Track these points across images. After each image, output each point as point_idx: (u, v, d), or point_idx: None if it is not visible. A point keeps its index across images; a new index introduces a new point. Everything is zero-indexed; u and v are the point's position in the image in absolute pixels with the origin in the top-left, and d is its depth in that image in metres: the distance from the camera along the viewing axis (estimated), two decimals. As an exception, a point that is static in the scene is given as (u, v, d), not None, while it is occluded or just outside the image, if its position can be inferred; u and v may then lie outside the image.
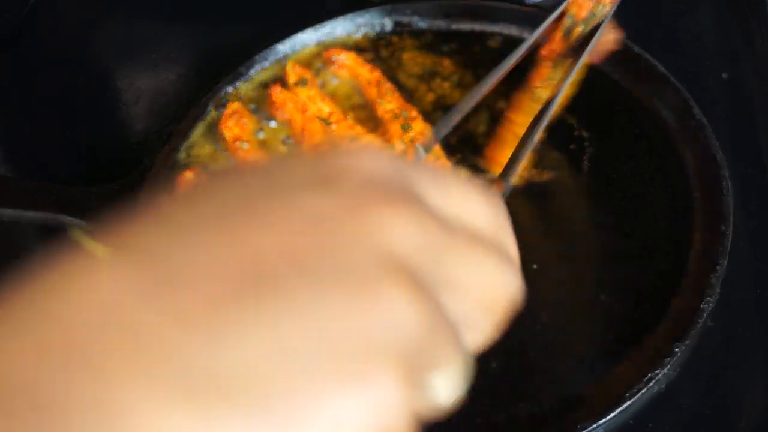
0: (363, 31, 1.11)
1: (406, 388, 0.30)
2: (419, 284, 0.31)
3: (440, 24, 1.10)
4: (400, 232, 0.32)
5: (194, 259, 0.28)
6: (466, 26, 1.09)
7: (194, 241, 0.29)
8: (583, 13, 0.87)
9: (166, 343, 0.25)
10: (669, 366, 0.76)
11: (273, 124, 1.03)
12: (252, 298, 0.27)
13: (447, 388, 0.37)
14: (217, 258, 0.28)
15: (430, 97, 1.01)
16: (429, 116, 1.01)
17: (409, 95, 1.02)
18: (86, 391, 0.24)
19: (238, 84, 1.08)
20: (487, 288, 0.39)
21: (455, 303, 0.35)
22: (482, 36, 1.08)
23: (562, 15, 0.88)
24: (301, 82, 1.05)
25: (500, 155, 0.92)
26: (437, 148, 0.96)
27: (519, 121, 0.90)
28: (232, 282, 0.27)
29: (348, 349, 0.28)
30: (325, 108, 1.01)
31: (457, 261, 0.35)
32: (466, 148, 0.98)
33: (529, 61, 0.89)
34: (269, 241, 0.29)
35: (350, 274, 0.29)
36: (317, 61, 1.09)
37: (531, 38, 0.86)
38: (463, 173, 0.55)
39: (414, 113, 0.99)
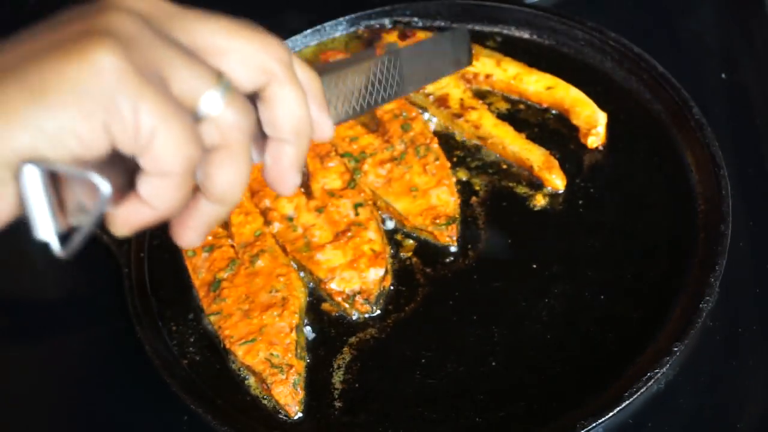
0: (363, 31, 1.11)
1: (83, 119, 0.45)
2: (130, 42, 0.46)
3: (440, 24, 1.10)
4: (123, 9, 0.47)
5: None
6: (465, 26, 1.09)
7: None
8: None
9: None
10: (668, 365, 0.76)
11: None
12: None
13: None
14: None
15: (430, 96, 1.01)
16: (429, 116, 1.01)
17: (408, 96, 1.02)
18: None
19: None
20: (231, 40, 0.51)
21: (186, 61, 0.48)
22: (482, 36, 1.08)
23: None
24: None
25: None
26: (437, 148, 0.96)
27: None
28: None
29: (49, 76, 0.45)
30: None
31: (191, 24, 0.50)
32: (466, 153, 0.98)
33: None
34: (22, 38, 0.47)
35: (63, 38, 0.46)
36: (317, 61, 1.09)
37: None
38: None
39: (414, 113, 0.99)
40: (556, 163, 0.93)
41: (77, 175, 0.47)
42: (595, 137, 0.95)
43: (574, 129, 0.97)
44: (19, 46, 0.47)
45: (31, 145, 0.45)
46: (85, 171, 0.47)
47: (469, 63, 0.83)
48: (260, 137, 0.54)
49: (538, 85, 1.00)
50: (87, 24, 0.47)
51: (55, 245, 0.48)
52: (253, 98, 0.53)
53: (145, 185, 0.48)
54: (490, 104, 1.01)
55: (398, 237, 0.92)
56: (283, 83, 0.52)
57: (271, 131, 0.53)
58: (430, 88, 1.01)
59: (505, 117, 0.99)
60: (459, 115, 0.99)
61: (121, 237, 0.51)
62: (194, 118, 0.49)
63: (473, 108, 0.99)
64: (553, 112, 0.99)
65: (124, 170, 0.50)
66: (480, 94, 1.02)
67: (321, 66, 0.60)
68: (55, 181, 0.48)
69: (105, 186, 0.47)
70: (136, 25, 0.47)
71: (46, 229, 0.47)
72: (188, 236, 0.54)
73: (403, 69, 0.68)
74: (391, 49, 0.69)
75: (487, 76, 1.01)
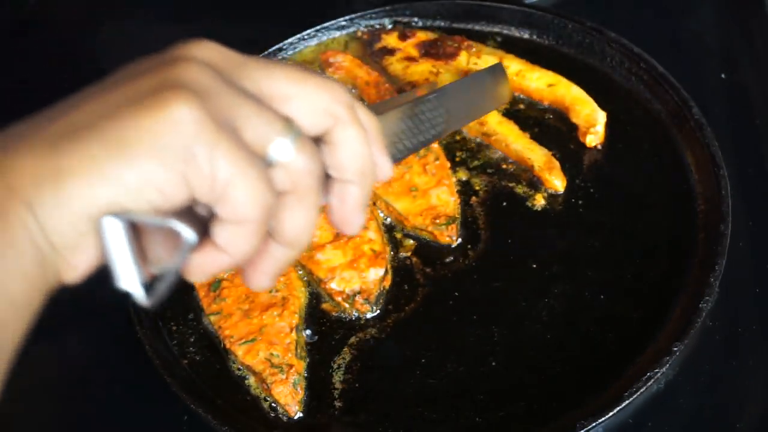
0: (362, 32, 1.11)
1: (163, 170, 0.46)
2: (204, 94, 0.46)
3: (440, 24, 1.10)
4: (196, 58, 0.48)
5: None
6: (466, 26, 1.10)
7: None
8: None
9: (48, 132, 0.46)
10: (668, 365, 0.76)
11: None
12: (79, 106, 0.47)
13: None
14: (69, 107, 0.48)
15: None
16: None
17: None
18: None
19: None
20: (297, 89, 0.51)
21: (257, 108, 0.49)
22: (482, 36, 1.08)
23: None
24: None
25: None
26: (437, 148, 0.96)
27: None
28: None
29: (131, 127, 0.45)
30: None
31: (258, 73, 0.50)
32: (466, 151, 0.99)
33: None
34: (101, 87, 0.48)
35: (139, 92, 0.46)
36: (317, 61, 1.09)
37: None
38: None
39: (414, 113, 0.99)
40: (557, 164, 0.93)
41: (160, 224, 0.47)
42: (594, 136, 0.95)
43: (574, 129, 0.97)
44: (93, 101, 0.47)
45: (113, 199, 0.45)
46: (168, 220, 0.47)
47: (509, 99, 0.83)
48: (324, 179, 0.54)
49: (540, 82, 1.00)
50: (162, 77, 0.47)
51: (140, 295, 0.48)
52: (316, 141, 0.53)
53: (221, 233, 0.49)
54: (489, 104, 1.01)
55: (398, 237, 0.92)
56: (347, 126, 0.52)
57: (336, 173, 0.54)
58: None
59: (504, 116, 0.99)
60: None
61: (194, 283, 0.52)
62: (266, 164, 0.49)
63: None
64: (552, 113, 0.99)
65: (196, 219, 0.50)
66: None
67: (371, 107, 0.60)
68: (134, 231, 0.48)
69: (189, 234, 0.47)
70: (208, 77, 0.48)
71: (129, 280, 0.48)
72: (260, 280, 0.54)
73: (450, 107, 0.69)
74: (435, 89, 0.69)
75: None
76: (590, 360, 0.81)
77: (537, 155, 0.94)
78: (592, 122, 0.95)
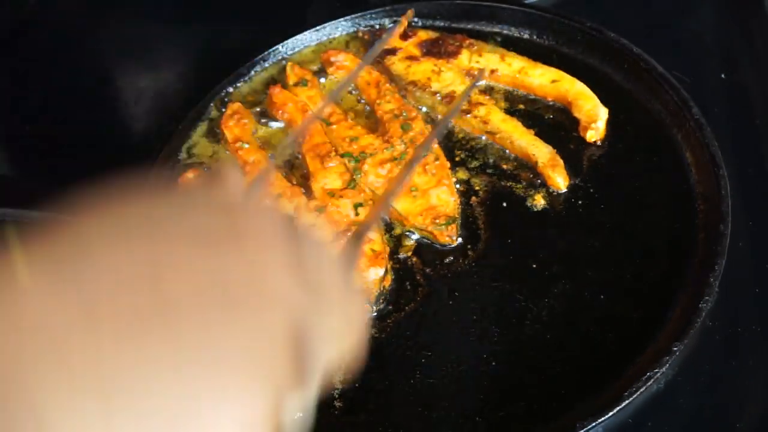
0: (363, 32, 1.11)
1: (268, 407, 0.37)
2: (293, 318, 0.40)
3: (440, 24, 1.10)
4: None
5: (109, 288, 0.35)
6: (466, 26, 1.10)
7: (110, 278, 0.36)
8: None
9: (81, 360, 0.33)
10: (668, 365, 0.76)
11: (273, 125, 1.03)
12: (148, 327, 0.35)
13: (297, 409, 0.42)
14: (128, 292, 0.36)
15: (437, 95, 1.01)
16: (428, 117, 1.01)
17: (408, 96, 1.02)
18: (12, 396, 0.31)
19: (238, 84, 1.08)
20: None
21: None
22: (482, 36, 1.08)
23: None
24: (302, 82, 1.05)
25: None
26: (437, 148, 0.96)
27: None
28: (140, 313, 0.35)
29: (226, 374, 0.36)
30: (326, 108, 1.01)
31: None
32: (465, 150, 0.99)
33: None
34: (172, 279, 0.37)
35: (239, 308, 0.38)
36: (317, 61, 1.09)
37: None
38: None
39: (414, 113, 0.99)
40: (561, 162, 0.93)
41: None
42: (594, 131, 0.95)
43: (573, 129, 0.97)
44: (168, 374, 0.36)
45: None
46: None
47: None
48: None
49: (543, 78, 1.00)
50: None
51: None
52: None
53: None
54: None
55: (398, 237, 0.92)
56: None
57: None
58: (436, 86, 1.01)
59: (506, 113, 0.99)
60: (467, 111, 0.98)
61: None
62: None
63: (481, 104, 0.99)
64: (552, 113, 0.99)
65: None
66: (481, 92, 1.02)
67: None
68: None
69: None
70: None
71: None
72: None
73: None
74: None
75: (493, 71, 1.01)
76: (590, 360, 0.81)
77: (541, 152, 0.94)
78: (594, 117, 0.95)
